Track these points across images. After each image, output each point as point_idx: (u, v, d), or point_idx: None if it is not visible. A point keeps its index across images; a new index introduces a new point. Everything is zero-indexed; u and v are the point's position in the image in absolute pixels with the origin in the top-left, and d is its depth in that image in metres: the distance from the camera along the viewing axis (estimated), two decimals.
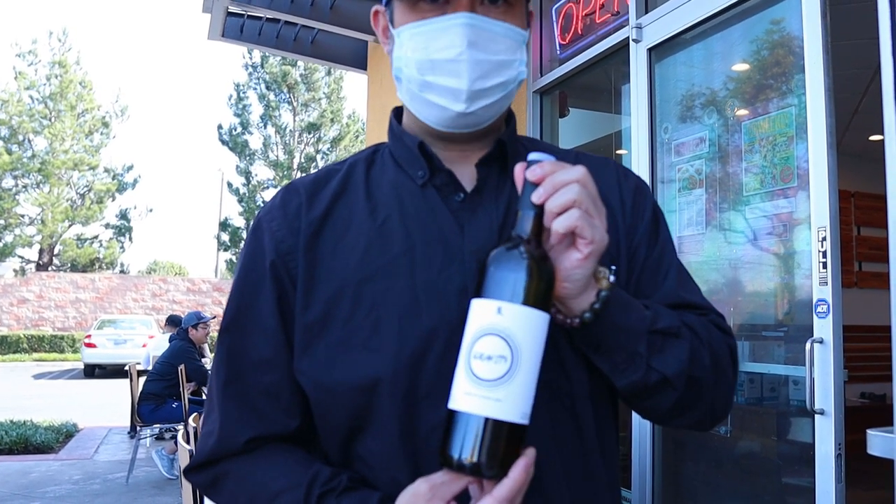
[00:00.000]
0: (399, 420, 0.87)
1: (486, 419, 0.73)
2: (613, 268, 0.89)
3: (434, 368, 0.86)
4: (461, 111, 0.91)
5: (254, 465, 0.93)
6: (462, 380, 0.75)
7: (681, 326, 0.90)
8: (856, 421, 2.38)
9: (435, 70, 0.90)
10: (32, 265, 27.48)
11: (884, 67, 1.88)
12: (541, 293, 0.76)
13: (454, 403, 0.75)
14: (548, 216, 0.79)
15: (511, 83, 0.94)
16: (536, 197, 0.79)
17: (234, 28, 5.80)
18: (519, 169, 0.83)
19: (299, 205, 0.97)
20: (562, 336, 0.89)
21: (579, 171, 0.80)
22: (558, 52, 4.07)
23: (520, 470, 0.74)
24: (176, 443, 6.73)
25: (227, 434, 0.94)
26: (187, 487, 2.20)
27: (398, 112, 1.06)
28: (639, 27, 3.20)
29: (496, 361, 0.73)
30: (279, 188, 1.04)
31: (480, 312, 0.76)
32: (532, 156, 0.82)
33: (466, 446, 0.73)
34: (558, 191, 0.79)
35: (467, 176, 0.97)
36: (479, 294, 0.77)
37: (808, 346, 2.22)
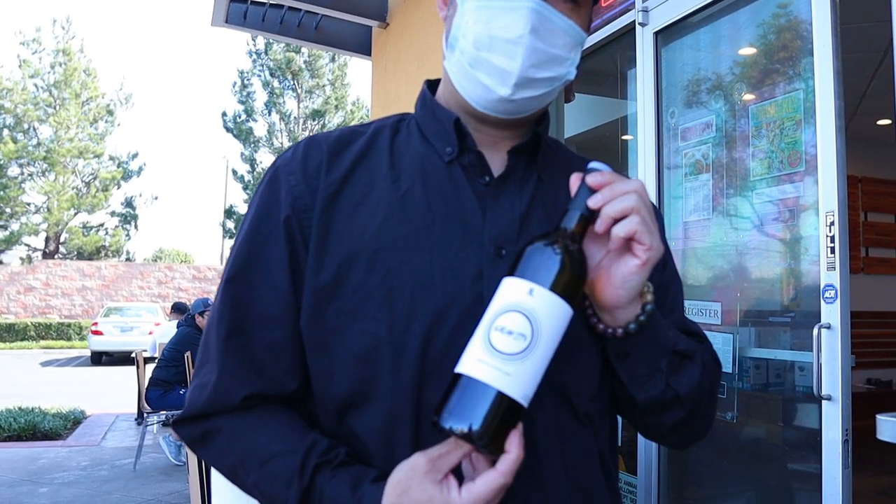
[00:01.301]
0: (402, 396, 0.86)
1: (491, 388, 0.74)
2: None
3: (441, 348, 0.86)
4: (505, 96, 0.90)
5: (248, 423, 0.91)
6: (477, 347, 0.77)
7: (695, 351, 0.94)
8: (862, 407, 2.37)
9: (492, 47, 0.89)
10: (39, 253, 27.62)
11: None
12: (571, 286, 0.79)
13: (463, 367, 0.77)
14: (604, 220, 0.81)
15: (559, 80, 0.93)
16: (594, 202, 0.81)
17: (238, 14, 5.78)
18: (576, 175, 0.85)
19: (320, 162, 0.95)
20: (583, 336, 0.90)
21: (637, 183, 0.83)
22: None
23: (517, 445, 0.76)
24: None
25: (223, 388, 0.90)
26: (194, 474, 2.21)
27: (431, 84, 1.05)
28: (645, 10, 3.17)
29: (516, 338, 0.75)
30: (300, 140, 1.01)
31: (511, 289, 0.78)
32: (592, 164, 0.85)
33: (465, 410, 0.74)
34: (616, 198, 0.81)
35: (495, 161, 0.97)
36: (512, 273, 0.80)
37: (815, 331, 2.20)
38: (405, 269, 0.88)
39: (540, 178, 0.98)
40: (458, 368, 0.77)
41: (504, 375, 0.74)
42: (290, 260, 0.91)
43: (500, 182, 0.95)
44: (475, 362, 0.76)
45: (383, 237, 0.90)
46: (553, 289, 0.77)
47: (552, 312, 0.77)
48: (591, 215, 0.82)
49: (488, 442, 0.74)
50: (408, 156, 0.97)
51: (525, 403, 0.76)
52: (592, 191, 0.83)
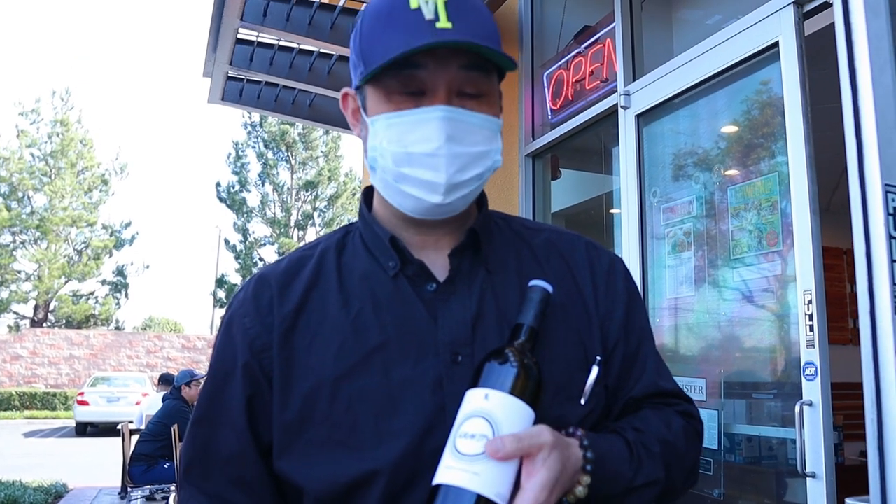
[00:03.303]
0: None
1: (467, 492, 0.77)
2: (599, 358, 0.94)
3: (410, 464, 0.87)
4: (438, 203, 0.91)
5: None
6: (446, 457, 0.80)
7: (661, 478, 0.92)
8: (854, 480, 2.37)
9: (412, 163, 0.90)
10: (27, 321, 27.34)
11: (848, 145, 1.94)
12: (527, 390, 0.83)
13: (437, 478, 0.80)
14: None
15: (488, 171, 0.94)
16: None
17: (234, 92, 5.92)
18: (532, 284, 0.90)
19: (271, 298, 0.97)
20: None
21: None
22: (549, 117, 4.17)
23: None
24: None
25: None
26: None
27: (367, 195, 1.05)
28: (627, 94, 3.30)
29: (478, 439, 0.79)
30: (250, 277, 1.04)
31: (471, 399, 0.83)
32: (533, 282, 0.90)
33: None
34: None
35: (439, 264, 0.97)
36: (473, 385, 0.84)
37: (797, 408, 2.24)
38: (365, 394, 0.90)
39: (488, 271, 0.98)
40: (434, 481, 0.80)
41: (473, 476, 0.77)
42: (248, 402, 0.95)
43: (448, 285, 0.95)
44: (445, 470, 0.79)
45: (341, 365, 0.92)
46: (509, 391, 0.81)
47: (509, 411, 0.81)
48: (539, 327, 0.88)
49: None
50: (355, 273, 0.98)
51: (502, 502, 0.78)
52: (539, 304, 0.88)
